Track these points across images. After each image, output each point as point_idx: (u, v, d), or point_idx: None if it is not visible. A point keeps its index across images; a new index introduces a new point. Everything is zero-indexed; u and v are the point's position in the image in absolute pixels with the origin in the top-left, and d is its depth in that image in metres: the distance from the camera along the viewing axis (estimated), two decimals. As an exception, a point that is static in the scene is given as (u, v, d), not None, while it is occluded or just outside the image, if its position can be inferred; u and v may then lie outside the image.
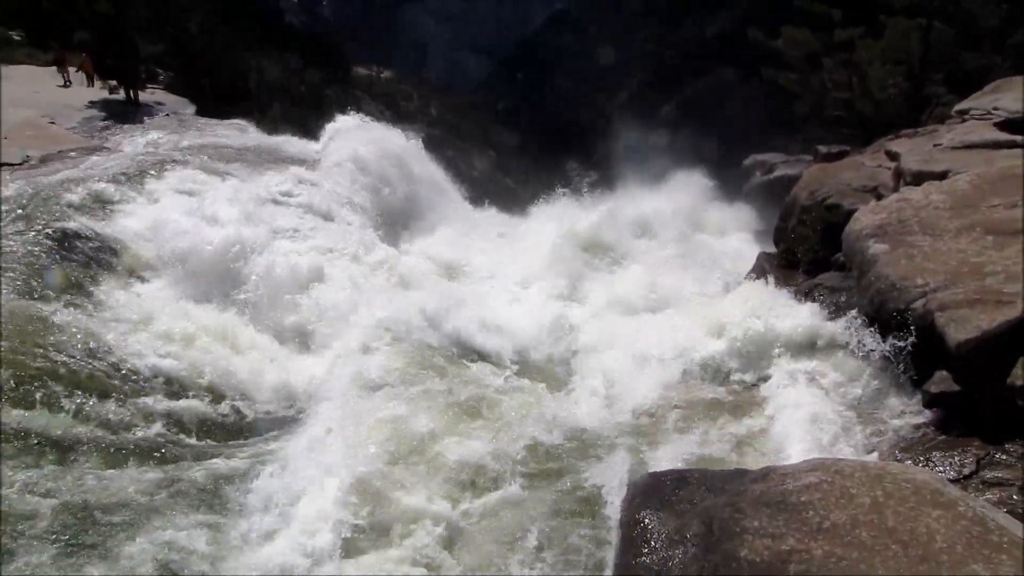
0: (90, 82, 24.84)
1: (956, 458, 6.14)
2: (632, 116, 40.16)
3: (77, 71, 25.04)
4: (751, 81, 28.54)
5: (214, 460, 6.69)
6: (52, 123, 18.56)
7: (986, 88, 13.02)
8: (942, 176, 9.86)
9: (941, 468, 6.05)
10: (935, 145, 11.32)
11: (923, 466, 6.08)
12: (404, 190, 17.74)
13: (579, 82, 44.89)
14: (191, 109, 24.12)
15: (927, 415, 6.83)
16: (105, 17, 25.32)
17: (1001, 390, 6.15)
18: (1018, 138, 10.61)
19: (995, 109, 11.50)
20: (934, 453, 6.33)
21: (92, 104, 21.82)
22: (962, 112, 12.57)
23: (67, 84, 24.72)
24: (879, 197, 10.53)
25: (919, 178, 10.11)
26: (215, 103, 25.25)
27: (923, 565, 3.84)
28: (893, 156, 11.85)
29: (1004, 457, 5.91)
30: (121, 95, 23.30)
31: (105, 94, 23.44)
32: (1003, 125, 11.12)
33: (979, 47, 20.65)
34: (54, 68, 25.37)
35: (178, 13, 29.26)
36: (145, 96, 24.21)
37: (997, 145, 10.57)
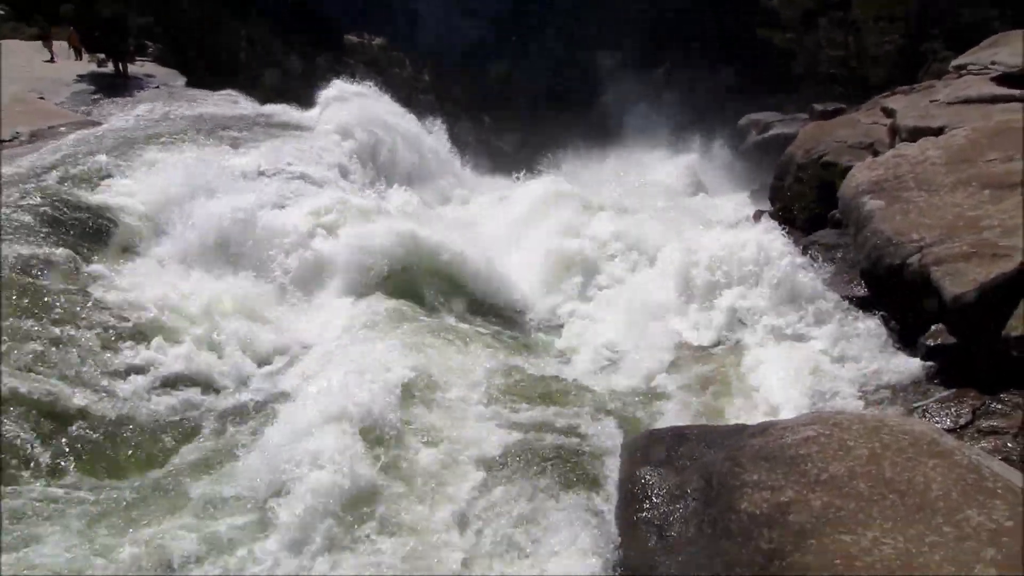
0: (78, 56, 24.42)
1: (952, 409, 6.22)
2: (626, 78, 39.75)
3: (70, 47, 24.68)
4: (748, 41, 28.26)
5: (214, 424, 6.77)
6: (41, 98, 18.39)
7: (984, 43, 12.93)
8: (938, 131, 9.83)
9: (937, 419, 6.13)
10: (931, 101, 11.28)
11: (920, 417, 6.16)
12: (400, 155, 17.67)
13: (572, 44, 44.42)
14: (181, 81, 23.84)
15: (924, 367, 6.88)
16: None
17: (996, 342, 6.20)
18: (1016, 92, 10.56)
19: (993, 64, 11.44)
20: (931, 404, 6.41)
21: (81, 78, 21.59)
22: (959, 67, 12.50)
23: (52, 59, 24.06)
24: (875, 154, 10.52)
25: (915, 134, 10.09)
26: (205, 74, 24.97)
27: (919, 513, 3.90)
28: (889, 113, 11.82)
29: (999, 407, 5.99)
30: (110, 68, 23.04)
31: (94, 67, 23.17)
32: (1001, 79, 11.07)
33: (977, 1, 20.48)
34: (39, 43, 24.85)
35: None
36: (134, 69, 23.92)
37: (994, 99, 10.53)
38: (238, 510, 5.42)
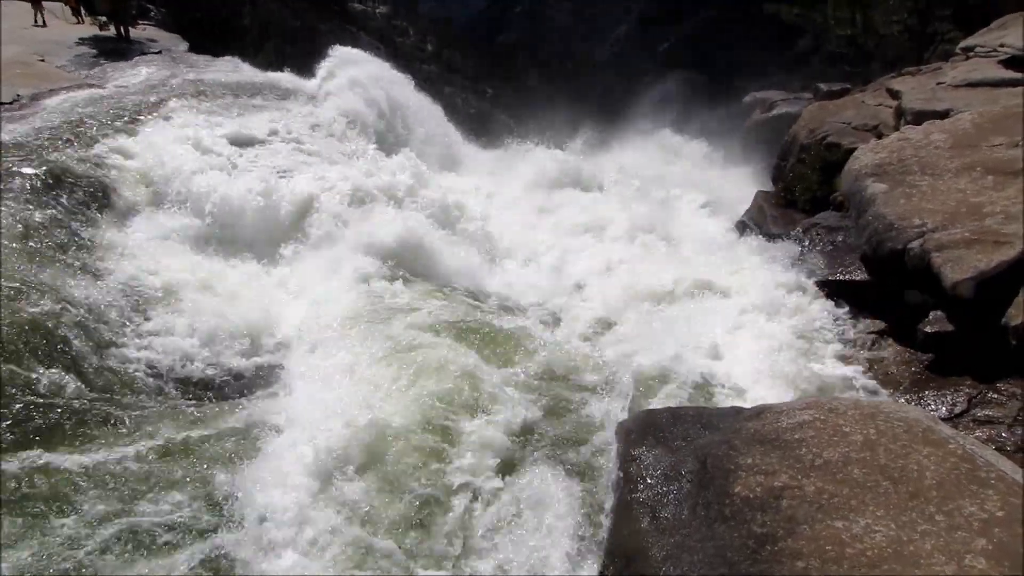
0: (77, 17, 24.03)
1: (948, 397, 6.24)
2: (631, 51, 39.54)
3: (68, 8, 24.31)
4: (754, 16, 28.01)
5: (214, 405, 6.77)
6: (42, 60, 18.23)
7: (993, 24, 12.82)
8: (944, 115, 9.78)
9: (933, 406, 6.15)
10: (938, 83, 11.21)
11: (916, 404, 6.18)
12: (400, 125, 17.61)
13: (578, 15, 44.07)
14: (184, 46, 23.62)
15: (921, 355, 6.89)
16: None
17: (995, 330, 6.20)
18: (1023, 76, 10.49)
19: (1001, 46, 11.35)
20: (927, 391, 6.43)
21: (82, 41, 21.40)
22: (967, 49, 12.41)
23: (42, 23, 22.95)
24: (879, 136, 10.47)
25: (920, 117, 10.03)
26: (208, 40, 24.76)
27: (912, 501, 3.92)
28: (895, 95, 11.74)
29: (995, 396, 6.00)
30: (111, 32, 22.85)
31: (96, 31, 22.95)
32: (1008, 63, 10.99)
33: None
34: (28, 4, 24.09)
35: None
36: (136, 33, 23.71)
37: (1001, 83, 10.46)
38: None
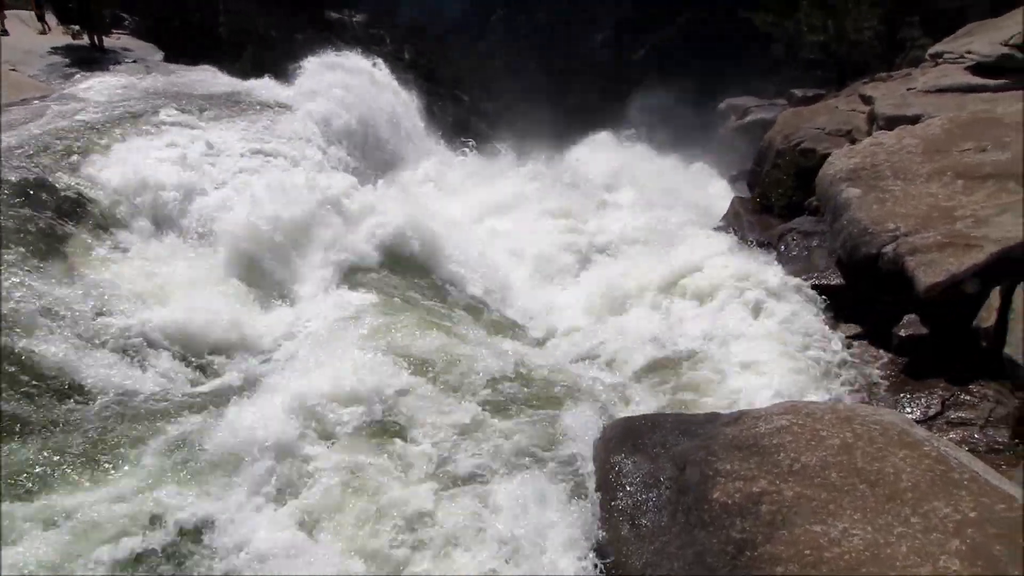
0: (42, 24, 23.51)
1: (923, 399, 6.33)
2: (607, 58, 39.75)
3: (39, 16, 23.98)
4: (727, 23, 28.29)
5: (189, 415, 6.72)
6: (13, 70, 18.03)
7: (959, 32, 13.05)
8: (915, 120, 9.94)
9: (908, 409, 6.24)
10: (908, 89, 11.39)
11: (891, 407, 6.25)
12: (376, 135, 17.55)
13: (554, 23, 44.28)
14: (159, 55, 23.41)
15: (896, 358, 6.98)
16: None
17: (968, 332, 6.30)
18: (990, 82, 10.70)
19: (968, 53, 11.55)
20: (902, 394, 6.52)
21: (55, 50, 21.15)
22: (936, 56, 12.61)
23: (3, 31, 22.10)
24: (853, 141, 10.61)
25: (892, 122, 10.18)
26: (183, 48, 24.59)
27: (889, 504, 3.98)
28: (867, 100, 11.91)
29: (968, 398, 6.10)
30: (85, 41, 22.62)
31: (67, 39, 22.72)
32: (975, 69, 11.19)
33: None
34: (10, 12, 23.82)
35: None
36: (110, 42, 23.46)
37: (969, 89, 10.67)
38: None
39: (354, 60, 19.64)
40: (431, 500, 5.34)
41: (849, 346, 7.46)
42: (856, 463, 4.29)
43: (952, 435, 5.67)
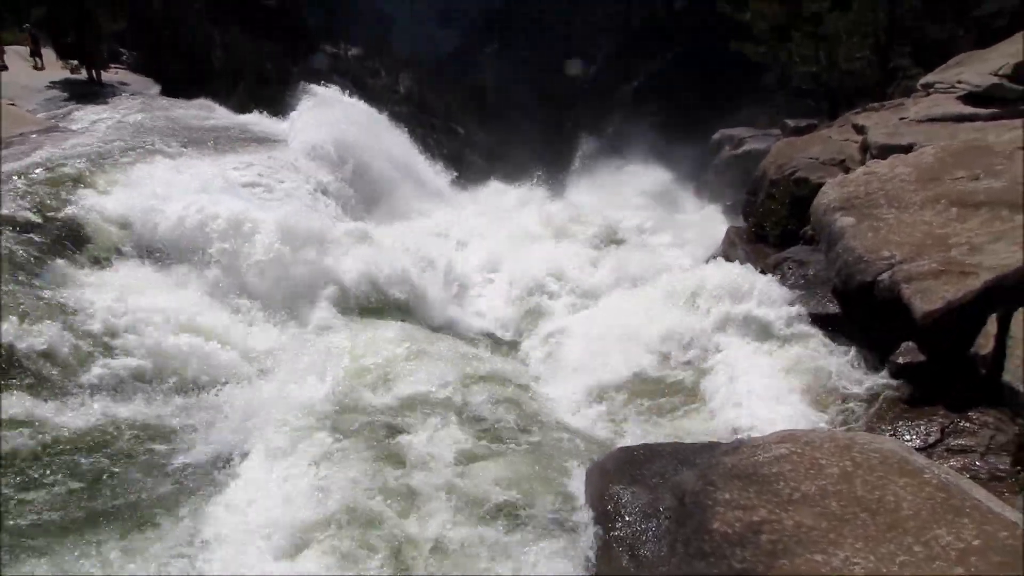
0: (35, 59, 23.50)
1: (922, 427, 6.28)
2: (601, 89, 40.06)
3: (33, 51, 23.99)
4: (720, 53, 28.58)
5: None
6: (12, 104, 18.11)
7: (950, 62, 13.16)
8: (908, 149, 9.99)
9: (908, 437, 6.19)
10: (901, 119, 11.46)
11: (890, 435, 6.21)
12: (371, 169, 17.59)
13: (547, 56, 44.70)
14: (156, 89, 23.61)
15: (894, 385, 6.95)
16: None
17: (965, 359, 6.29)
18: (981, 111, 10.77)
19: (959, 83, 11.63)
20: (901, 422, 6.47)
21: (53, 84, 21.31)
22: (927, 85, 12.71)
23: (3, 66, 22.31)
24: (846, 170, 10.66)
25: (885, 151, 10.24)
26: (180, 82, 24.75)
27: (890, 532, 3.94)
28: (860, 130, 11.98)
29: (968, 425, 6.06)
30: (83, 75, 22.78)
31: (66, 74, 22.85)
32: (966, 99, 11.28)
33: (943, 19, 20.82)
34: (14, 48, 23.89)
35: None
36: (108, 76, 23.66)
37: (961, 118, 10.73)
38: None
39: (347, 95, 19.83)
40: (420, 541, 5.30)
41: (847, 374, 7.43)
42: (856, 491, 4.26)
43: (953, 463, 5.62)
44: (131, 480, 6.05)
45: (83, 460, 6.19)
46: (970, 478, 4.96)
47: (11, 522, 5.33)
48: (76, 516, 5.51)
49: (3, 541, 5.10)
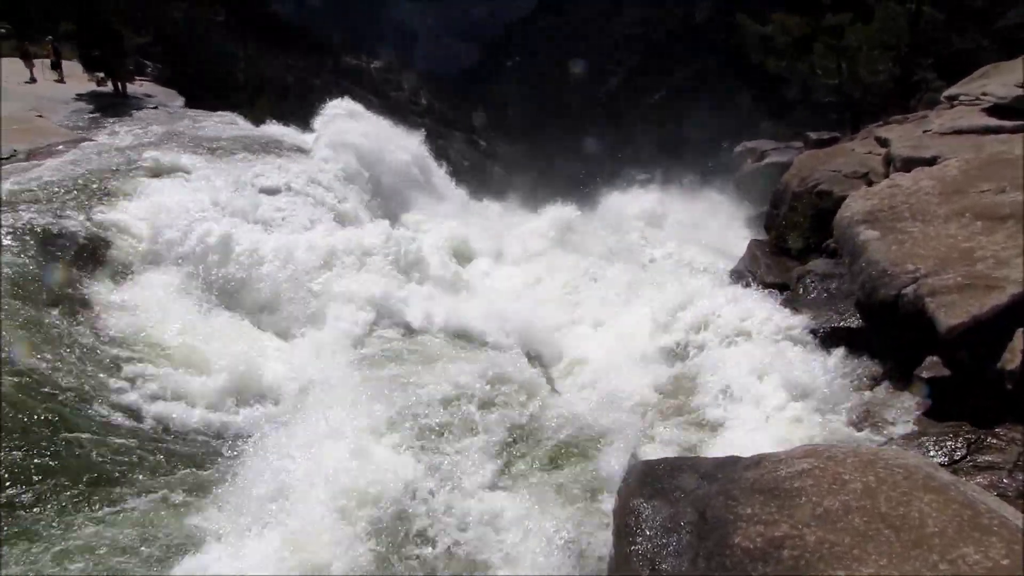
0: (56, 71, 23.78)
1: (947, 442, 6.19)
2: (622, 102, 40.08)
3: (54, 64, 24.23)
4: (741, 67, 28.54)
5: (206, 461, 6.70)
6: (39, 116, 18.40)
7: (974, 73, 13.04)
8: (932, 162, 9.90)
9: (933, 452, 6.11)
10: (924, 131, 11.36)
11: (915, 450, 6.13)
12: (393, 181, 17.71)
13: (567, 68, 44.83)
14: (179, 101, 23.92)
15: (918, 400, 6.87)
16: (90, 7, 24.73)
17: (991, 374, 6.20)
18: (1006, 123, 10.65)
19: (984, 95, 11.53)
20: (926, 437, 6.39)
21: (80, 97, 21.65)
22: (951, 98, 12.60)
23: (32, 79, 23.05)
24: (869, 183, 10.57)
25: (909, 164, 10.15)
26: (204, 94, 25.08)
27: (915, 550, 3.87)
28: (883, 142, 11.89)
29: (994, 441, 5.97)
30: (109, 88, 23.12)
31: (92, 86, 23.19)
32: (991, 110, 11.16)
33: (966, 31, 20.69)
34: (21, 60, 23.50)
35: (163, 2, 28.96)
36: (133, 88, 24.01)
37: (986, 131, 10.61)
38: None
39: (369, 108, 19.99)
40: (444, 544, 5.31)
41: (870, 388, 7.36)
42: (880, 508, 4.19)
43: (979, 479, 5.53)
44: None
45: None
46: (997, 495, 4.88)
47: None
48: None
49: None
